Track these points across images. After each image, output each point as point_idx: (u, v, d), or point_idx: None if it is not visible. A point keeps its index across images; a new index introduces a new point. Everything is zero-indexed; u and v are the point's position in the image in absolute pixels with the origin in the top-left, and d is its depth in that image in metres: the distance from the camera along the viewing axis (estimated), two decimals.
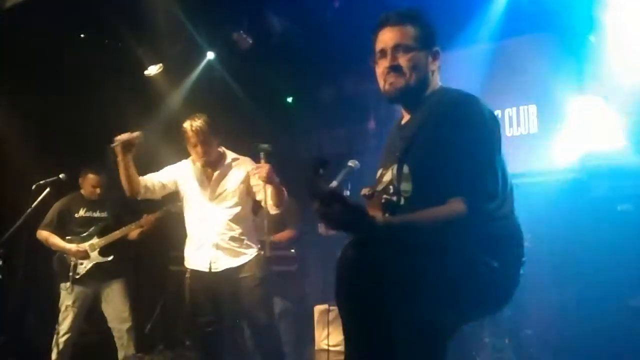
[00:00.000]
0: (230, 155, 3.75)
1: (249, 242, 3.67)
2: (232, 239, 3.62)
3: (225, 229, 3.62)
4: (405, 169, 1.97)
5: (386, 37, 2.05)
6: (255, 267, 3.62)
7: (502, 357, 4.07)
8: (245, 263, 3.62)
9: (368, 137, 5.98)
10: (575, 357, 4.02)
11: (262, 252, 3.70)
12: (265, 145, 3.42)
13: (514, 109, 4.99)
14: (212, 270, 3.59)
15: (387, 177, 2.07)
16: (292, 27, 5.49)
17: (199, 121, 3.55)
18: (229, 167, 3.71)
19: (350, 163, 2.36)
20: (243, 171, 3.68)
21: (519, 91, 4.93)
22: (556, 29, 4.76)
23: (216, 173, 3.67)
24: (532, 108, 4.95)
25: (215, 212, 3.63)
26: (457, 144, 1.86)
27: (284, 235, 5.34)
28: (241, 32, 5.48)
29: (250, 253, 3.65)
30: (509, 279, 1.92)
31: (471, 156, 1.86)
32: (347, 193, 2.84)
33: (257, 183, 3.59)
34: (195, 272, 3.65)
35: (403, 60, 2.01)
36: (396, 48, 2.02)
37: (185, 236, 3.78)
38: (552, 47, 4.80)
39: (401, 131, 2.13)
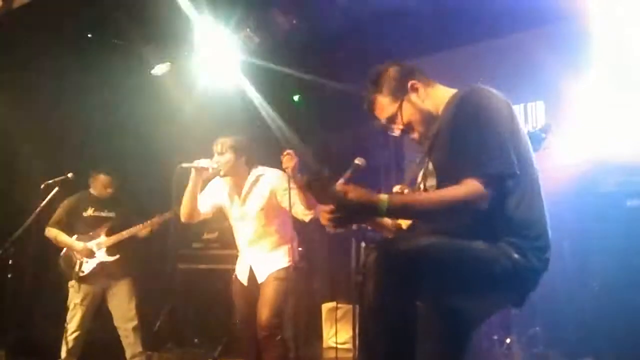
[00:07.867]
0: (255, 172, 3.75)
1: (283, 251, 3.72)
2: (265, 252, 3.71)
3: (257, 244, 3.73)
4: (430, 166, 2.10)
5: (377, 117, 2.24)
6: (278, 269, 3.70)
7: (510, 354, 4.06)
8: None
9: (374, 136, 5.96)
10: (583, 354, 4.00)
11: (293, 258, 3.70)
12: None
13: (522, 105, 4.97)
14: (250, 284, 3.69)
15: (420, 175, 2.19)
16: (299, 25, 5.48)
17: (223, 139, 3.67)
18: (253, 184, 3.73)
19: (357, 161, 2.37)
20: (267, 187, 3.69)
21: (527, 88, 4.90)
22: (564, 23, 4.73)
23: (242, 193, 3.72)
24: (540, 104, 4.93)
25: (246, 229, 3.75)
26: (465, 132, 1.93)
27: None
28: (248, 30, 5.47)
29: (284, 260, 3.70)
30: (528, 272, 1.94)
31: (478, 139, 1.90)
32: None
33: (283, 194, 3.60)
34: (236, 279, 3.80)
35: (397, 127, 2.20)
36: (388, 122, 2.21)
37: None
38: (560, 42, 4.77)
39: (429, 132, 2.23)
